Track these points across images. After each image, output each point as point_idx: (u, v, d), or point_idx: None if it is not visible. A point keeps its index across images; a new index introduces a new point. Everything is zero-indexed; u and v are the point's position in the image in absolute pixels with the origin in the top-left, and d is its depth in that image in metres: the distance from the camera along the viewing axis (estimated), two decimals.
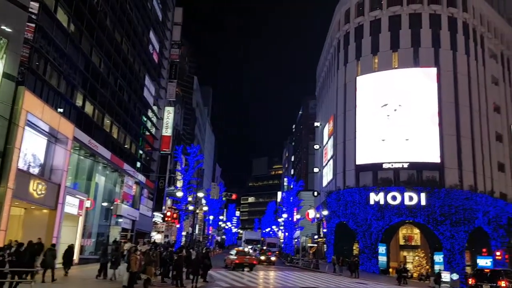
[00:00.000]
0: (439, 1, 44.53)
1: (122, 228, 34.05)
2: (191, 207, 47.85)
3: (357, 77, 46.34)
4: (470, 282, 25.42)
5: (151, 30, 41.15)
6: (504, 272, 24.91)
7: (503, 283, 22.75)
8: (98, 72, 28.86)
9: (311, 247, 64.80)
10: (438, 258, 39.55)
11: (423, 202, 39.39)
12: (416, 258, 42.08)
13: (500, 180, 45.61)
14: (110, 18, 30.98)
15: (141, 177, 38.50)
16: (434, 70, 42.91)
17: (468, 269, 39.43)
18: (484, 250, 39.38)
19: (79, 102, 26.41)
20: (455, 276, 31.87)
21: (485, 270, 26.20)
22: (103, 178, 31.68)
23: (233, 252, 34.54)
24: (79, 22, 25.53)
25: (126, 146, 35.59)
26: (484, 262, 38.38)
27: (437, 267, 38.10)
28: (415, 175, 41.39)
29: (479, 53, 46.24)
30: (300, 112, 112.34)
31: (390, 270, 40.34)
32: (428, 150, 41.33)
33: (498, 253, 36.66)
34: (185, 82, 76.35)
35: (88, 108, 27.98)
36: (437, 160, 41.04)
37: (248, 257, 32.59)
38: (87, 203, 26.76)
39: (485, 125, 44.65)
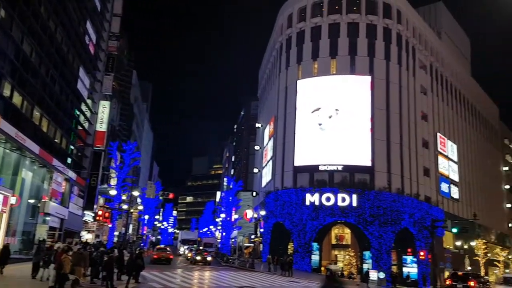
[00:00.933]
0: (376, 12, 46.72)
1: (49, 226, 32.31)
2: (125, 206, 46.39)
3: (298, 81, 47.42)
4: (447, 283, 31.30)
5: (88, 20, 39.39)
6: (472, 274, 33.18)
7: (472, 283, 29.74)
8: (29, 61, 27.21)
9: (247, 247, 65.27)
10: (367, 257, 41.48)
11: (354, 203, 41.12)
12: (347, 257, 43.83)
13: (425, 184, 48.71)
14: (45, 5, 29.32)
15: (72, 174, 36.76)
16: (368, 78, 44.94)
17: (394, 268, 41.72)
18: (409, 250, 41.82)
19: (6, 92, 24.74)
20: (382, 275, 33.61)
21: (459, 273, 33.01)
22: (30, 174, 29.90)
23: (155, 249, 41.39)
24: (10, 8, 23.91)
25: (56, 140, 33.80)
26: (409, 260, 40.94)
27: (365, 266, 39.96)
28: (348, 177, 43.10)
29: (410, 63, 49.09)
30: (242, 113, 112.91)
31: (322, 268, 41.68)
32: (361, 154, 43.21)
33: (422, 253, 39.01)
34: (123, 76, 73.74)
35: (17, 99, 26.30)
36: (369, 163, 43.02)
37: (165, 253, 38.13)
38: (12, 200, 25.11)
39: (413, 131, 47.47)
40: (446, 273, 46.80)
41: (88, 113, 41.87)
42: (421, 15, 57.16)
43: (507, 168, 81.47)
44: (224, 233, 71.27)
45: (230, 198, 68.79)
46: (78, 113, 39.37)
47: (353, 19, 46.59)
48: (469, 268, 55.43)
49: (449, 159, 56.06)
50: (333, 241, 46.61)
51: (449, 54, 62.28)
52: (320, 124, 44.38)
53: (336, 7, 47.31)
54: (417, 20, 52.60)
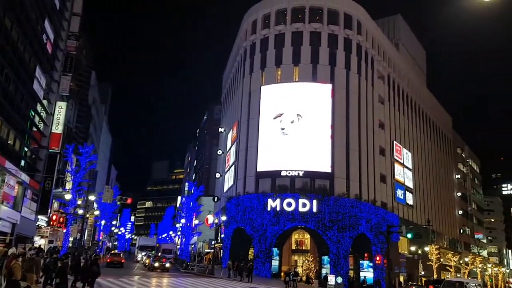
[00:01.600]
0: (337, 22, 47.87)
1: (0, 231, 30.80)
2: (80, 211, 44.96)
3: (262, 87, 47.73)
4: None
5: (46, 19, 38.09)
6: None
7: None
8: None
9: (207, 253, 64.70)
10: (326, 262, 42.14)
11: (314, 209, 41.73)
12: (306, 262, 44.33)
13: (382, 191, 50.14)
14: (1, 2, 28.14)
15: (25, 177, 35.24)
16: (329, 86, 45.89)
17: (351, 273, 42.56)
18: (366, 254, 42.84)
19: None
20: (340, 279, 34.25)
21: (435, 279, 38.39)
22: None
23: (109, 255, 47.95)
24: None
25: (9, 142, 32.37)
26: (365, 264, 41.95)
27: (324, 271, 40.59)
28: (308, 183, 43.73)
29: (369, 73, 50.57)
30: (205, 117, 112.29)
31: (282, 274, 41.96)
32: (321, 160, 43.97)
33: (378, 258, 40.10)
34: (82, 77, 71.72)
35: None
36: (329, 169, 43.82)
37: (118, 257, 43.95)
38: None
39: (371, 139, 48.84)
40: (401, 278, 48.30)
41: (43, 114, 40.38)
42: (380, 27, 59.07)
43: (459, 176, 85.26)
44: (184, 239, 70.35)
45: (191, 203, 68.05)
46: (33, 114, 37.91)
47: (315, 28, 47.51)
48: (422, 272, 57.39)
49: (405, 166, 58.00)
50: (293, 247, 47.04)
51: (406, 65, 64.67)
52: (282, 129, 44.76)
53: (299, 15, 48.12)
54: (377, 32, 54.32)
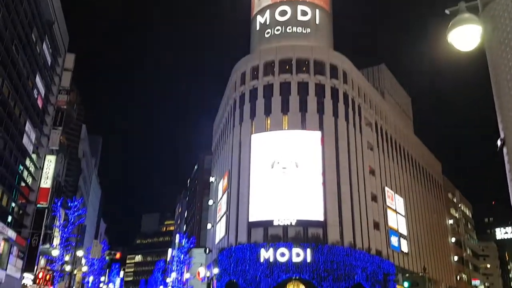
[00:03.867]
0: (323, 72, 49.24)
1: None
2: (68, 267, 43.53)
3: (252, 135, 48.09)
4: None
5: (37, 74, 38.72)
6: None
7: None
8: None
9: None
10: None
11: (308, 259, 40.88)
12: None
13: (376, 238, 49.51)
14: None
15: (11, 233, 34.34)
16: (319, 134, 46.45)
17: None
18: None
19: None
20: None
21: None
22: None
23: None
24: None
25: None
26: None
27: None
28: (302, 232, 43.08)
29: (357, 121, 51.43)
30: (195, 167, 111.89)
31: None
32: (314, 208, 43.63)
33: None
34: (72, 130, 71.93)
35: None
36: (321, 217, 43.39)
37: None
38: None
39: (362, 186, 48.85)
40: None
41: (32, 169, 40.03)
42: (365, 76, 60.87)
43: (452, 222, 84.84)
44: None
45: (182, 256, 66.42)
46: (21, 168, 37.57)
47: (303, 79, 48.75)
48: None
49: (397, 212, 57.71)
50: None
51: (393, 113, 66.05)
52: (274, 177, 44.67)
53: (287, 67, 49.49)
54: (362, 81, 55.86)
